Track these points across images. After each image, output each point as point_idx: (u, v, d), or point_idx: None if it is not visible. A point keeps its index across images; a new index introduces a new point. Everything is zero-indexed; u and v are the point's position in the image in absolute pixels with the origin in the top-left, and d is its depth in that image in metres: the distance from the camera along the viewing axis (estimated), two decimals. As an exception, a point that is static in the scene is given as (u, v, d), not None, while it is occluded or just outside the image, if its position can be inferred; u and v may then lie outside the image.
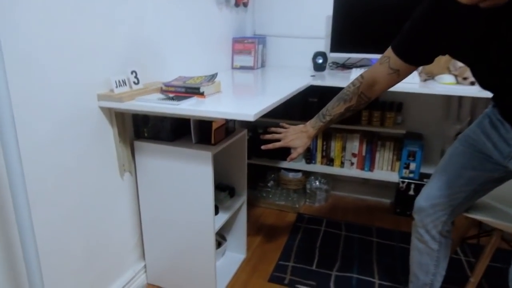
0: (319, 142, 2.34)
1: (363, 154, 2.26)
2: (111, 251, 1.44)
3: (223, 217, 1.56)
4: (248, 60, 2.20)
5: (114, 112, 1.35)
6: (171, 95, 1.33)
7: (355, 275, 1.72)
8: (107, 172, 1.37)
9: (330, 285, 1.65)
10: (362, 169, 2.29)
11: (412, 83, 1.74)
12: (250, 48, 2.18)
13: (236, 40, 2.20)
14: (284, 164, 2.40)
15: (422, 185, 2.11)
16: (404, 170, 2.18)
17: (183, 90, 1.37)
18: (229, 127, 1.54)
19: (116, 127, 1.37)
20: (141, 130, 1.46)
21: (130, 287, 1.55)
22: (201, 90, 1.34)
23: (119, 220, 1.46)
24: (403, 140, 2.18)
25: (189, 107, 1.19)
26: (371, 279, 1.70)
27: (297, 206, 2.31)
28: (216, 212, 1.57)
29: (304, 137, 1.27)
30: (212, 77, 1.41)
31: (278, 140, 1.29)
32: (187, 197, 1.43)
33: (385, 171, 2.28)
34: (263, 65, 2.36)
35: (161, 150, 1.41)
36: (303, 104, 2.23)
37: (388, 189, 2.43)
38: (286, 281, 1.68)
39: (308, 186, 2.39)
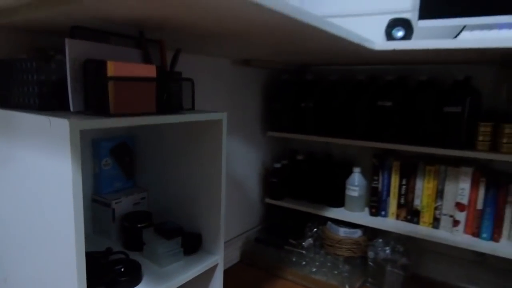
0: (394, 178, 1.36)
1: (479, 207, 1.22)
2: None
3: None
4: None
5: None
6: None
7: None
8: None
9: None
10: (476, 235, 1.24)
11: None
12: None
13: None
14: (333, 212, 1.45)
15: None
16: None
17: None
18: (172, 88, 0.70)
19: None
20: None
21: None
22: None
23: None
24: None
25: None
26: None
27: (347, 287, 1.32)
28: (133, 282, 0.71)
29: None
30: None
31: None
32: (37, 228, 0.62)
33: (525, 243, 1.19)
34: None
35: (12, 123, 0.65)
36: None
37: (529, 279, 1.30)
38: None
39: (371, 254, 1.39)
